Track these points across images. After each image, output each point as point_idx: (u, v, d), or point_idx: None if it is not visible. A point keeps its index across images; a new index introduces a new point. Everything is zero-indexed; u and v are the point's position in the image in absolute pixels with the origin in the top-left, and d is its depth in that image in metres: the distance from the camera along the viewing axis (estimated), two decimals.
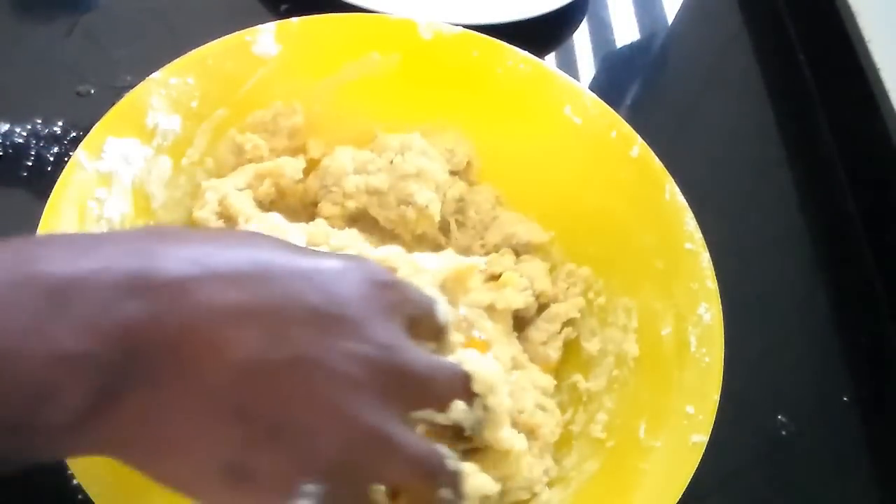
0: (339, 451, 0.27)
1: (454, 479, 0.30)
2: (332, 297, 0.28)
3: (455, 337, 0.34)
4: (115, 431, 0.25)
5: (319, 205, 0.48)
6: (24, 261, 0.25)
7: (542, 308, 0.48)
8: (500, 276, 0.48)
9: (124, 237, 0.29)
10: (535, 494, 0.41)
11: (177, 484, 0.26)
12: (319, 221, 0.45)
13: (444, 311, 0.33)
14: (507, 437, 0.33)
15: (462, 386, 0.31)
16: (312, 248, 0.32)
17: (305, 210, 0.50)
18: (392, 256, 0.37)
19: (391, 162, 0.49)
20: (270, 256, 0.28)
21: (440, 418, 0.30)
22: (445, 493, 0.29)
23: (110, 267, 0.25)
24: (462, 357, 0.32)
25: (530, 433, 0.42)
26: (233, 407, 0.25)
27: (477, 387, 0.31)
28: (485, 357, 0.32)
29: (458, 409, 0.31)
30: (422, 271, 0.36)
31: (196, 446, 0.25)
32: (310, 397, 0.26)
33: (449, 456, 0.30)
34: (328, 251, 0.33)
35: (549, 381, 0.45)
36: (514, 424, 0.41)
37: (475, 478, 0.32)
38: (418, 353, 0.30)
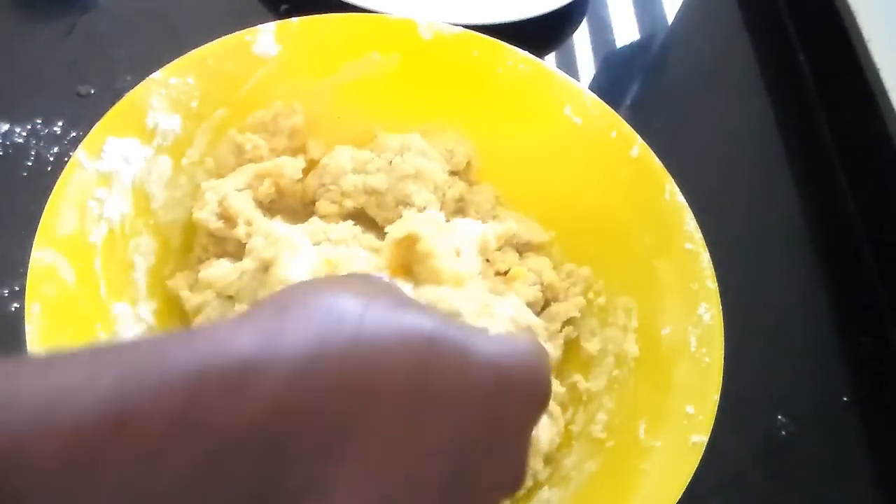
0: None
1: None
2: (487, 422, 0.24)
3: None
4: None
5: (317, 203, 0.48)
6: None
7: (543, 307, 0.48)
8: (507, 272, 0.48)
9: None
10: (527, 489, 0.41)
11: None
12: (314, 220, 0.45)
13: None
14: None
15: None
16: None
17: (305, 209, 0.50)
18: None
19: (390, 162, 0.49)
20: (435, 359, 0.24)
21: None
22: None
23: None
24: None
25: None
26: None
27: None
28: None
29: None
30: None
31: None
32: None
33: None
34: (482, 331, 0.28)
35: (557, 386, 0.45)
36: None
37: None
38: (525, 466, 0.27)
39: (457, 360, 0.24)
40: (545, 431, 0.42)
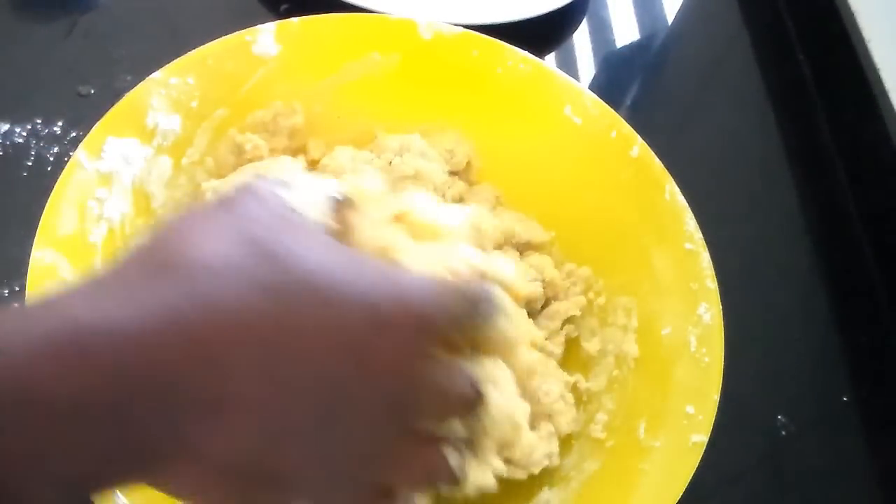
0: (341, 495, 0.27)
1: (454, 478, 0.30)
2: (357, 362, 0.25)
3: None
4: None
5: None
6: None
7: (543, 305, 0.48)
8: None
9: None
10: (531, 483, 0.40)
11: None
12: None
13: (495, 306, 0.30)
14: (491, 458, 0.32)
15: (470, 409, 0.30)
16: (345, 256, 0.28)
17: None
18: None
19: (390, 163, 0.49)
20: (294, 301, 0.25)
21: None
22: (442, 487, 0.30)
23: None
24: (483, 373, 0.30)
25: (548, 417, 0.42)
26: (249, 480, 0.25)
27: (486, 419, 0.30)
28: (507, 377, 0.32)
29: (455, 425, 0.30)
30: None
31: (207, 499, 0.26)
32: (320, 464, 0.26)
33: (456, 462, 0.30)
34: (361, 262, 0.28)
35: (568, 377, 0.45)
36: (535, 405, 0.41)
37: (476, 476, 0.31)
38: (437, 394, 0.28)
39: (315, 305, 0.25)
40: (563, 415, 0.42)
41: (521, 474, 0.40)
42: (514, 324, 0.31)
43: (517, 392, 0.33)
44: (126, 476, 0.24)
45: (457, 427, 0.30)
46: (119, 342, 0.22)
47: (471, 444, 0.32)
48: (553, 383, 0.43)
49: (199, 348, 0.23)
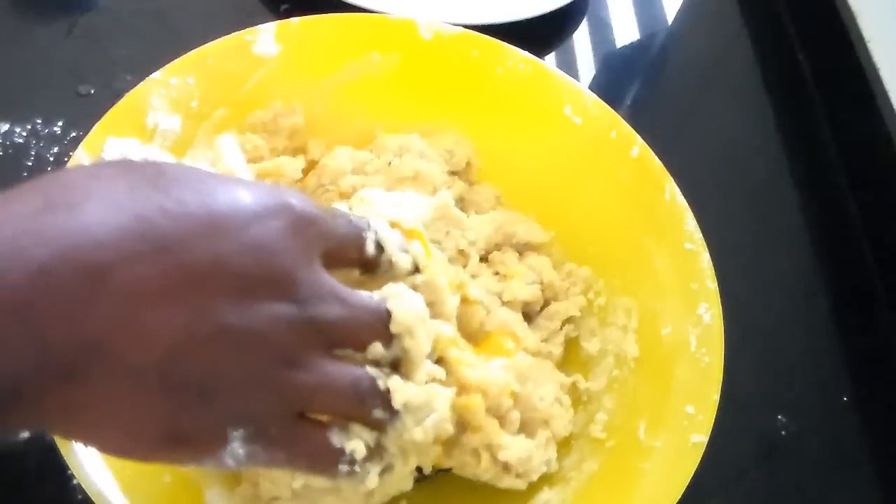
0: (265, 404, 0.27)
1: (384, 398, 0.31)
2: (255, 257, 0.27)
3: (401, 258, 0.34)
4: (39, 421, 0.25)
5: None
6: None
7: (543, 306, 0.48)
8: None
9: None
10: (531, 483, 0.40)
11: (118, 454, 0.27)
12: None
13: (380, 237, 0.33)
14: (422, 378, 0.32)
15: (382, 327, 0.31)
16: (225, 176, 0.29)
17: None
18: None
19: (389, 164, 0.49)
20: (184, 211, 0.26)
21: (359, 357, 0.31)
22: (377, 412, 0.30)
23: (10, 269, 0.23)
24: (388, 292, 0.32)
25: (544, 423, 0.42)
26: (160, 383, 0.25)
27: (394, 327, 0.31)
28: (412, 294, 0.32)
29: (376, 350, 0.31)
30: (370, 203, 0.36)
31: (129, 423, 0.26)
32: (235, 363, 0.26)
33: (377, 376, 0.30)
34: (242, 180, 0.30)
35: (565, 379, 0.45)
36: (531, 411, 0.41)
37: (404, 391, 0.31)
38: (337, 298, 0.29)
39: (206, 205, 0.26)
40: (559, 419, 0.42)
41: (520, 484, 0.40)
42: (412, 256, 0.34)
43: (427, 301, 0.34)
44: (52, 392, 0.24)
45: (377, 351, 0.31)
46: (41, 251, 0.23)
47: (396, 366, 0.32)
48: (548, 388, 0.43)
49: (99, 249, 0.24)
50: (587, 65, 0.69)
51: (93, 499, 0.33)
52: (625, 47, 0.72)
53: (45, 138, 0.53)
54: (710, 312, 0.42)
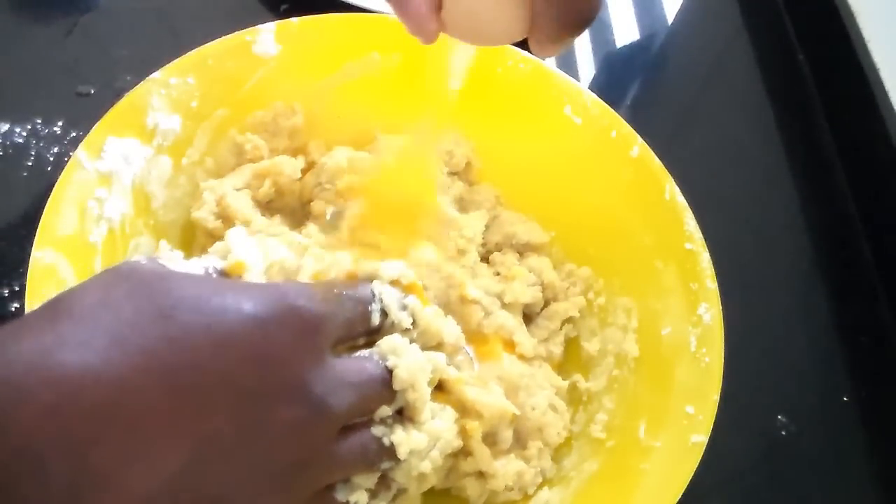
0: (279, 501, 0.28)
1: (391, 452, 0.32)
2: (262, 370, 0.27)
3: (402, 317, 0.34)
4: None
5: (312, 203, 0.48)
6: None
7: (544, 305, 0.48)
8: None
9: None
10: (528, 496, 0.41)
11: None
12: (308, 227, 0.46)
13: (385, 305, 0.34)
14: (426, 418, 0.34)
15: (386, 390, 0.32)
16: (227, 286, 0.29)
17: (303, 209, 0.50)
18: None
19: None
20: (186, 334, 0.26)
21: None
22: (384, 465, 0.32)
23: None
24: (386, 348, 0.33)
25: (537, 432, 0.42)
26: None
27: (397, 385, 0.32)
28: (409, 347, 0.33)
29: (383, 412, 0.32)
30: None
31: None
32: (247, 476, 0.27)
33: (383, 435, 0.32)
34: (248, 286, 0.30)
35: (561, 382, 0.45)
36: (524, 420, 0.42)
37: (408, 442, 0.33)
38: (344, 384, 0.30)
39: (205, 324, 0.27)
40: (552, 427, 0.42)
41: (515, 495, 0.41)
42: (409, 312, 0.35)
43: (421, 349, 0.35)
44: None
45: (383, 412, 0.32)
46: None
47: (399, 415, 0.33)
48: (541, 396, 0.43)
49: (105, 387, 0.24)
50: (587, 65, 0.69)
51: None
52: (625, 47, 0.72)
53: (45, 138, 0.53)
54: (710, 312, 0.42)
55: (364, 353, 0.33)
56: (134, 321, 0.26)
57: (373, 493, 0.32)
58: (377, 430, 0.32)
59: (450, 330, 0.38)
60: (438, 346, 0.36)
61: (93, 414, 0.24)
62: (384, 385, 0.32)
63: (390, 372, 0.32)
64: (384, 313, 0.34)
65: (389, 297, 0.34)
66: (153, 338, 0.26)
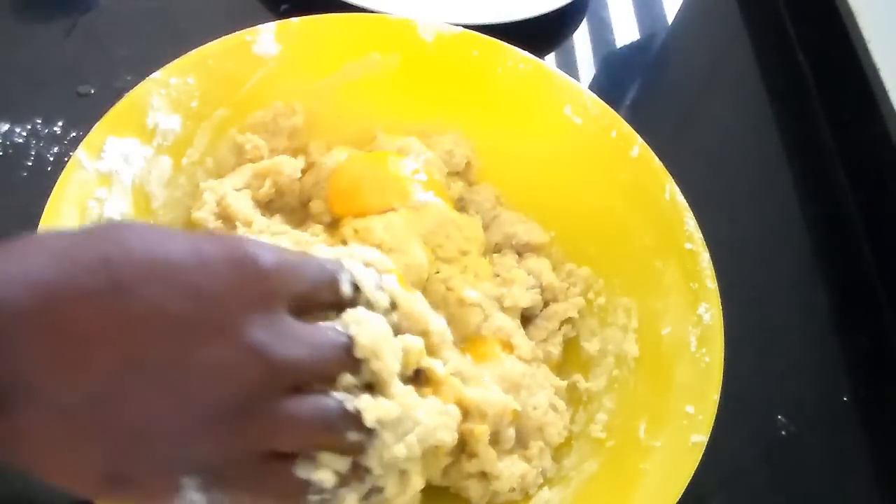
0: (215, 452, 0.27)
1: (356, 420, 0.30)
2: (197, 302, 0.27)
3: (378, 296, 0.33)
4: None
5: (311, 202, 0.48)
6: None
7: (543, 306, 0.48)
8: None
9: None
10: (528, 496, 0.41)
11: (64, 487, 0.27)
12: (307, 226, 0.45)
13: (356, 278, 0.33)
14: (398, 393, 0.32)
15: (346, 356, 0.31)
16: (187, 233, 0.30)
17: (303, 208, 0.50)
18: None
19: None
20: (127, 258, 0.26)
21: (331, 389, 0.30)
22: (351, 435, 0.30)
23: None
24: (348, 318, 0.31)
25: (538, 431, 0.42)
26: (92, 422, 0.25)
27: (359, 352, 0.31)
28: (372, 316, 0.32)
29: (347, 380, 0.31)
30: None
31: (67, 458, 0.26)
32: (172, 410, 0.26)
33: (345, 399, 0.30)
34: (203, 235, 0.31)
35: (560, 382, 0.45)
36: (525, 420, 0.42)
37: (376, 408, 0.31)
38: (295, 339, 0.29)
39: (154, 258, 0.27)
40: (553, 426, 0.42)
41: (517, 495, 0.40)
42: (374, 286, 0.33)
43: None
44: None
45: (347, 381, 0.31)
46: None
47: (368, 385, 0.32)
48: (541, 396, 0.43)
49: (37, 292, 0.25)
50: (587, 65, 0.69)
51: None
52: (625, 47, 0.72)
53: (45, 138, 0.53)
54: (710, 312, 0.42)
55: (328, 322, 0.31)
56: (82, 242, 0.26)
57: (342, 480, 0.30)
58: (338, 395, 0.30)
59: (435, 320, 0.36)
60: (424, 335, 0.35)
61: (16, 316, 0.24)
62: (345, 350, 0.30)
63: (351, 341, 0.31)
64: (357, 289, 0.33)
65: (361, 272, 0.33)
66: (92, 256, 0.26)
